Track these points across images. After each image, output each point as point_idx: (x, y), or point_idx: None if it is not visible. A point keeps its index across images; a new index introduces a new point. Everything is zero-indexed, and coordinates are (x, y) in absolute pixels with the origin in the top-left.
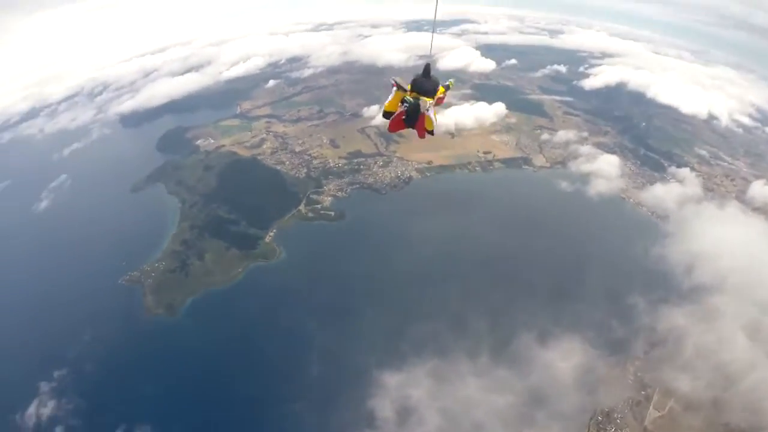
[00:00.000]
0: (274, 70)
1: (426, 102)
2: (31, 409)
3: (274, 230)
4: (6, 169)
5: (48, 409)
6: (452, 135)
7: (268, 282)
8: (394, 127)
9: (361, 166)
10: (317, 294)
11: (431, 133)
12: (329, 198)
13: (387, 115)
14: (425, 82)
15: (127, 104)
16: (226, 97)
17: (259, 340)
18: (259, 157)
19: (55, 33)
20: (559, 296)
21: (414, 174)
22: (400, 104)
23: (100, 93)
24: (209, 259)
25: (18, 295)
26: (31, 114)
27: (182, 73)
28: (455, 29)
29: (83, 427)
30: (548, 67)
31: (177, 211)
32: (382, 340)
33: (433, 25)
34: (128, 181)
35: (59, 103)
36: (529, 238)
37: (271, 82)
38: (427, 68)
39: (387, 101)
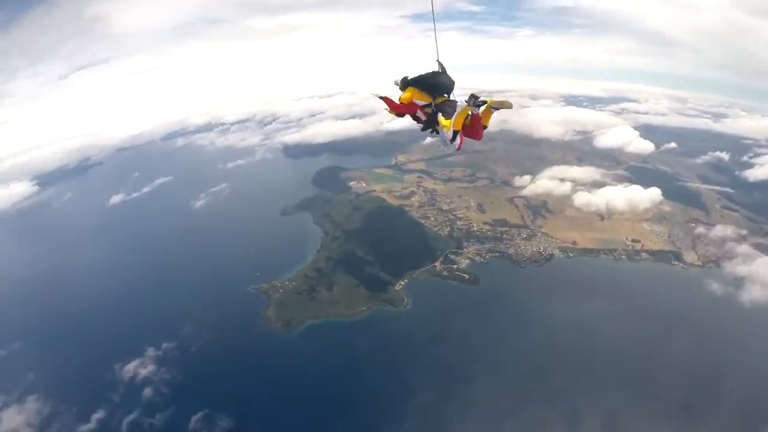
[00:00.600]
0: None
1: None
2: (131, 366)
3: (406, 280)
4: (173, 167)
5: (146, 370)
6: (602, 217)
7: (388, 327)
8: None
9: (504, 235)
10: (434, 351)
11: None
12: (467, 261)
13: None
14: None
15: (292, 137)
16: (383, 147)
17: (363, 378)
18: (405, 208)
19: (236, 62)
20: (685, 409)
21: (556, 252)
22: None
23: (270, 122)
24: (337, 291)
25: (160, 269)
26: (206, 128)
27: (346, 119)
28: (614, 107)
29: (170, 397)
30: (709, 153)
31: (318, 240)
32: (487, 415)
33: (433, 20)
34: (280, 204)
35: (232, 124)
36: (667, 340)
37: (428, 140)
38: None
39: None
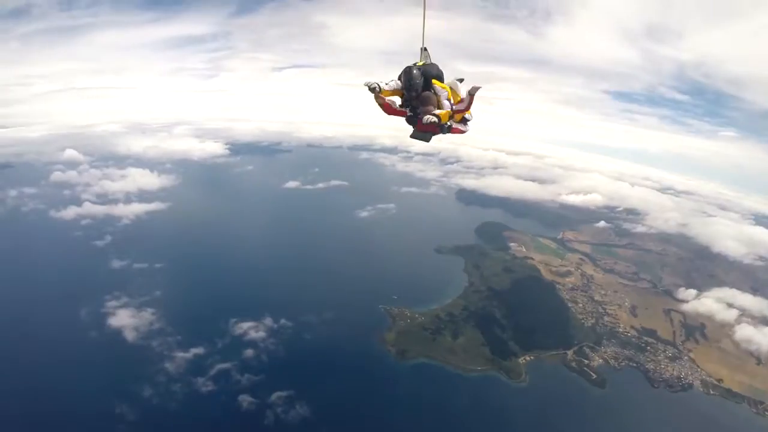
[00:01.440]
0: (608, 213)
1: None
2: (246, 325)
3: (532, 357)
4: (351, 174)
5: (256, 334)
6: (759, 360)
7: (496, 395)
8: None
9: (648, 347)
10: None
11: (440, 126)
12: (600, 360)
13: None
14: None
15: (470, 182)
16: (554, 218)
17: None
18: (557, 285)
19: None
20: None
21: (697, 384)
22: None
23: (452, 163)
24: (461, 342)
25: (309, 256)
26: (392, 150)
27: (525, 180)
28: None
29: (266, 366)
30: None
31: (461, 287)
32: None
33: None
34: (437, 241)
35: (417, 154)
36: None
37: (601, 224)
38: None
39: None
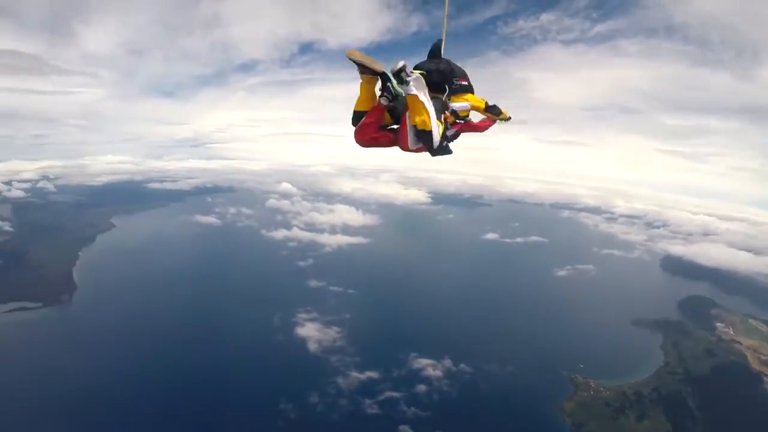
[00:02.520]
0: None
1: (418, 79)
2: (424, 361)
3: None
4: (551, 232)
5: (433, 372)
6: None
7: None
8: (363, 136)
9: None
10: None
11: (429, 145)
12: None
13: (357, 117)
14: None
15: (676, 248)
16: None
17: None
18: (765, 379)
19: (638, 154)
20: None
21: None
22: (378, 97)
23: (658, 227)
24: (644, 426)
25: (503, 304)
26: (594, 210)
27: (739, 249)
28: None
29: (436, 408)
30: None
31: (654, 366)
32: None
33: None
34: (635, 311)
35: (620, 215)
36: None
37: None
38: (435, 47)
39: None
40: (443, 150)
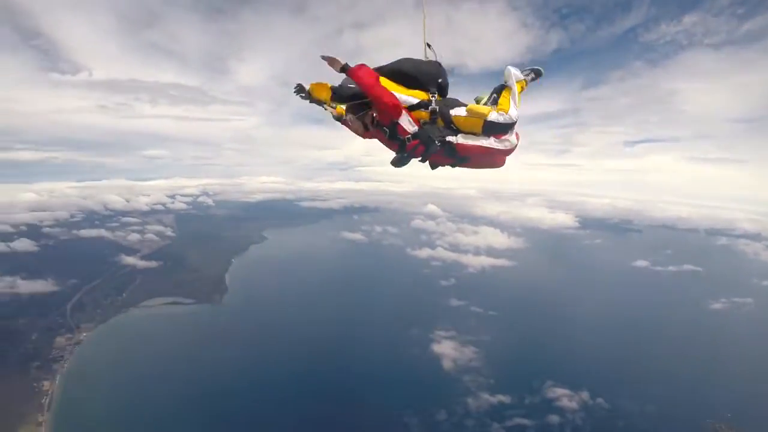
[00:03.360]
0: None
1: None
2: (560, 391)
3: None
4: (706, 260)
5: (568, 403)
6: None
7: None
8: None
9: None
10: None
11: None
12: None
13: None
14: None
15: None
16: None
17: None
18: None
19: None
20: None
21: None
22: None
23: None
24: None
25: (649, 347)
26: (755, 237)
27: None
28: None
29: None
30: None
31: None
32: None
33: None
34: None
35: None
36: None
37: None
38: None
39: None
40: (405, 159)
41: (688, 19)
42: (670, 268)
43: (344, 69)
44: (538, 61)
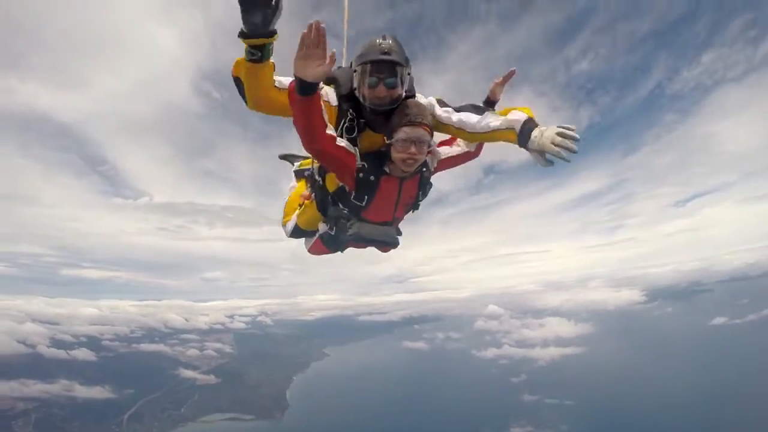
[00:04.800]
0: None
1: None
2: None
3: None
4: None
5: None
6: None
7: None
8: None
9: None
10: None
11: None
12: None
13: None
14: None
15: None
16: None
17: None
18: None
19: None
20: None
21: None
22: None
23: None
24: None
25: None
26: None
27: None
28: None
29: None
30: None
31: None
32: None
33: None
34: None
35: None
36: None
37: None
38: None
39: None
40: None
41: (706, 58)
42: (750, 317)
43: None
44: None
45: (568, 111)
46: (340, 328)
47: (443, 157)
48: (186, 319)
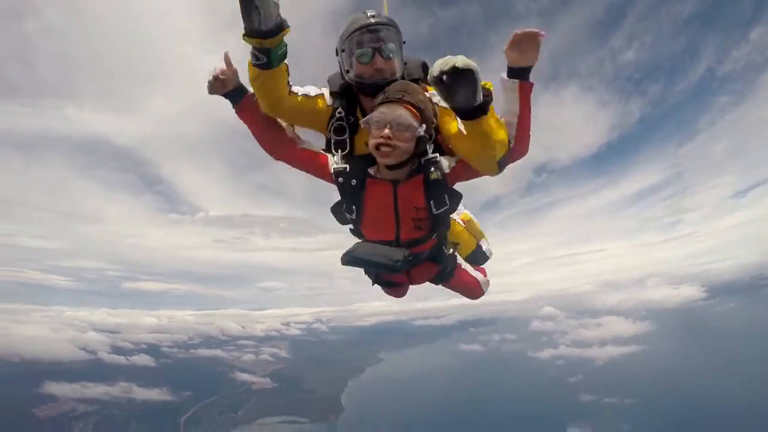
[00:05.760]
0: None
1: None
2: None
3: None
4: None
5: None
6: None
7: None
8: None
9: None
10: None
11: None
12: None
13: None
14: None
15: None
16: None
17: None
18: None
19: None
20: None
21: None
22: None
23: None
24: None
25: None
26: None
27: None
28: None
29: None
30: None
31: None
32: None
33: None
34: None
35: None
36: None
37: None
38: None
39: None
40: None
41: (754, 35)
42: None
43: None
44: (627, 134)
45: (617, 104)
46: (396, 334)
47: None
48: (242, 327)
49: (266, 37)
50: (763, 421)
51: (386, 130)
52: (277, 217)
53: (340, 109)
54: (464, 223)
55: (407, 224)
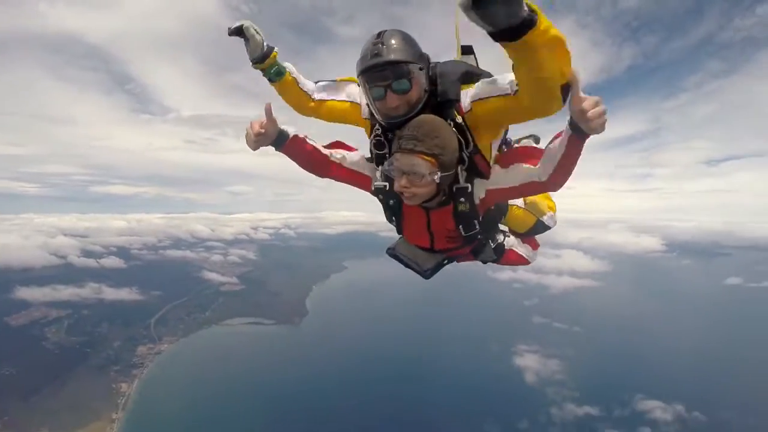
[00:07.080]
0: None
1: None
2: (652, 404)
3: None
4: None
5: (661, 415)
6: None
7: None
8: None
9: None
10: None
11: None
12: None
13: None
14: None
15: None
16: None
17: None
18: None
19: None
20: None
21: None
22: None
23: None
24: None
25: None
26: None
27: None
28: None
29: None
30: None
31: None
32: None
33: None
34: None
35: None
36: None
37: None
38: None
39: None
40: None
41: (761, 10)
42: (766, 283)
43: None
44: (613, 79)
45: (610, 47)
46: (362, 243)
47: (492, 187)
48: (212, 230)
49: (256, 63)
50: (697, 370)
51: (403, 180)
52: (252, 117)
53: (377, 126)
54: (526, 205)
55: (441, 240)
